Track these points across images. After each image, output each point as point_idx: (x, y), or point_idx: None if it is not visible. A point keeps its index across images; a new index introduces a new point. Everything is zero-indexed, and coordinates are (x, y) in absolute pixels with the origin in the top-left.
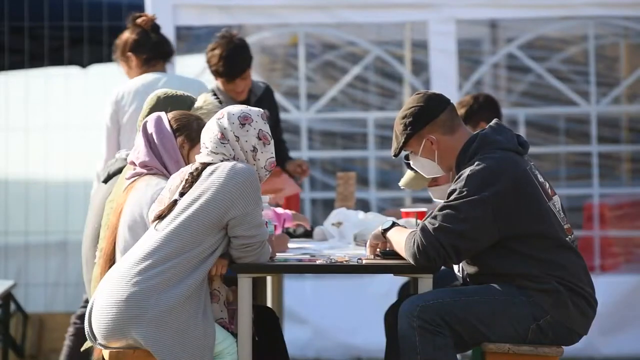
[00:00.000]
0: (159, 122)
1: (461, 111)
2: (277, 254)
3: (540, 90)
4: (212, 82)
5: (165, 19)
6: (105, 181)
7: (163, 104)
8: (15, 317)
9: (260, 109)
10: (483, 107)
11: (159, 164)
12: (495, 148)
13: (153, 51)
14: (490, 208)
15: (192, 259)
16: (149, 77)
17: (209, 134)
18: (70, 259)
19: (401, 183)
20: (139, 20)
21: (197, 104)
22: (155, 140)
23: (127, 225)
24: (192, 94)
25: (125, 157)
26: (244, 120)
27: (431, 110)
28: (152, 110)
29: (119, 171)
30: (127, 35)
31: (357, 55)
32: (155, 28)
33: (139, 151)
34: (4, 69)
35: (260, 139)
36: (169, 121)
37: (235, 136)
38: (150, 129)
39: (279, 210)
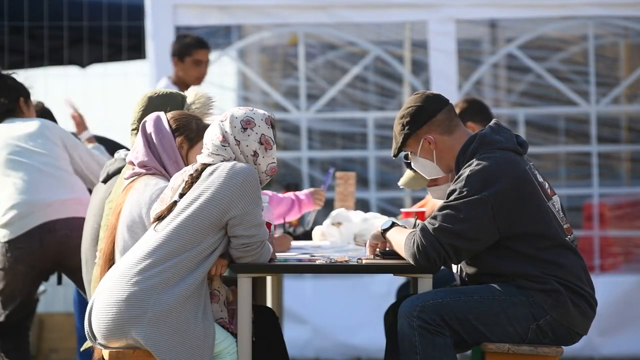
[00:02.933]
0: (158, 122)
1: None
2: (277, 254)
3: (540, 90)
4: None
5: (165, 19)
6: (105, 181)
7: (155, 103)
8: None
9: (266, 113)
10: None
11: (157, 164)
12: (495, 148)
13: None
14: (490, 208)
15: (191, 258)
16: None
17: (210, 136)
18: None
19: (400, 182)
20: None
21: (188, 100)
22: (154, 140)
23: (126, 225)
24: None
25: (124, 157)
26: (246, 125)
27: (428, 110)
28: (144, 111)
29: (118, 171)
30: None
31: (357, 55)
32: None
33: (137, 151)
34: (3, 69)
35: (262, 144)
36: (168, 121)
37: (236, 140)
38: (149, 128)
39: (299, 195)
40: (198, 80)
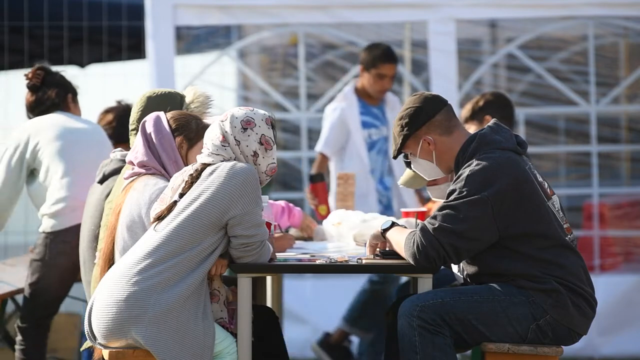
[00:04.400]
0: (157, 122)
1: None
2: (277, 254)
3: (540, 90)
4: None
5: (165, 19)
6: (101, 182)
7: (153, 103)
8: (15, 317)
9: (267, 113)
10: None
11: (157, 164)
12: (494, 148)
13: None
14: (490, 208)
15: (191, 258)
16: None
17: (211, 136)
18: None
19: (400, 182)
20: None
21: (187, 99)
22: (154, 140)
23: (126, 225)
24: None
25: (120, 157)
26: (247, 125)
27: (427, 111)
28: (143, 111)
29: (114, 172)
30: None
31: (357, 55)
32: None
33: (137, 151)
34: (3, 69)
35: (262, 144)
36: (168, 121)
37: (236, 140)
38: (149, 128)
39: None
40: (380, 93)
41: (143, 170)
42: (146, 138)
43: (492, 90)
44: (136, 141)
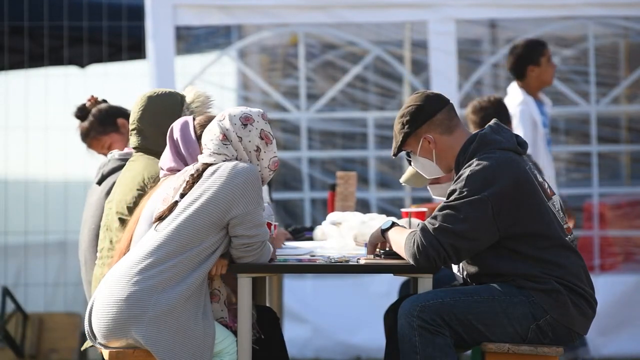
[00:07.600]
0: (184, 129)
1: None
2: (277, 255)
3: None
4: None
5: (165, 19)
6: (99, 182)
7: (154, 102)
8: (15, 317)
9: (261, 110)
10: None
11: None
12: (495, 148)
13: None
14: (490, 208)
15: (192, 258)
16: None
17: (210, 136)
18: (70, 258)
19: (402, 179)
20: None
21: (188, 99)
22: (181, 148)
23: (142, 225)
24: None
25: (117, 157)
26: (246, 121)
27: (428, 110)
28: (143, 110)
29: (112, 171)
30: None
31: (357, 55)
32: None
33: (166, 157)
34: (3, 69)
35: (262, 139)
36: (194, 127)
37: (238, 137)
38: (176, 134)
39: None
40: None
41: (169, 173)
42: (174, 144)
43: (474, 101)
44: (166, 148)
